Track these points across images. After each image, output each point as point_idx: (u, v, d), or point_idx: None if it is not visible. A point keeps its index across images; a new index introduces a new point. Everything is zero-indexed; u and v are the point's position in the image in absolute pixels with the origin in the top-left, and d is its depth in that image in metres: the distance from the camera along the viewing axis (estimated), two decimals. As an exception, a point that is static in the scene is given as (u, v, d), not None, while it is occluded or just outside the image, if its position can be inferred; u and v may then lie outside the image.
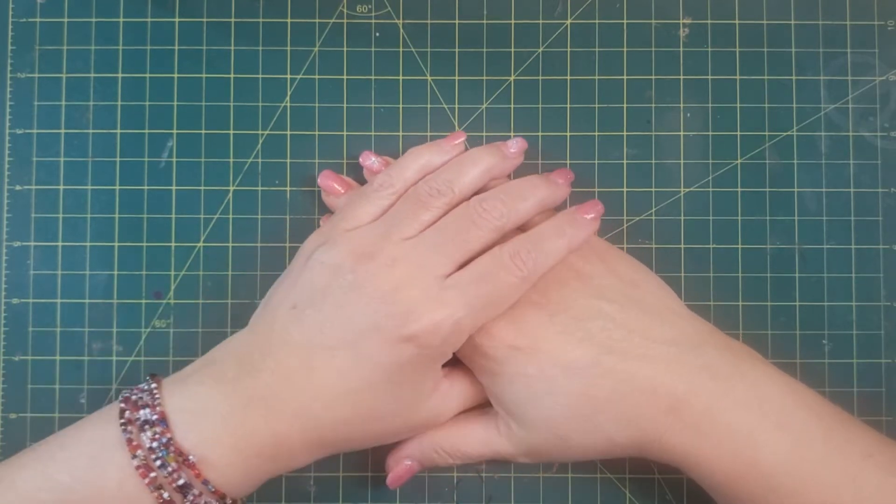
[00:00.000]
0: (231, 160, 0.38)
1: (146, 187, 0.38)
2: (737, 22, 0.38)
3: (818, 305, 0.37)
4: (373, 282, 0.30)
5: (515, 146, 0.35)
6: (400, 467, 0.34)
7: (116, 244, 0.37)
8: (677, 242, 0.38)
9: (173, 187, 0.38)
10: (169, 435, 0.28)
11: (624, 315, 0.32)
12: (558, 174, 0.35)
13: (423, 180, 0.33)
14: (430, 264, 0.31)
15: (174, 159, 0.38)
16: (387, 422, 0.31)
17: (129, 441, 0.28)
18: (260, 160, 0.38)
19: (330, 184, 0.36)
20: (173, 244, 0.37)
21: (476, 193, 0.34)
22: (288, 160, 0.38)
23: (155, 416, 0.29)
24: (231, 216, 0.38)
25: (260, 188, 0.38)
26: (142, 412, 0.29)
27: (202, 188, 0.38)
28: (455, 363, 0.33)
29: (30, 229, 0.37)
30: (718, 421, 0.30)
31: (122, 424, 0.29)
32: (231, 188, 0.38)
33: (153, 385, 0.30)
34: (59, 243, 0.37)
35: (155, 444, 0.28)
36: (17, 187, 0.38)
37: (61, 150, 0.38)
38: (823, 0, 0.38)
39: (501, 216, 0.32)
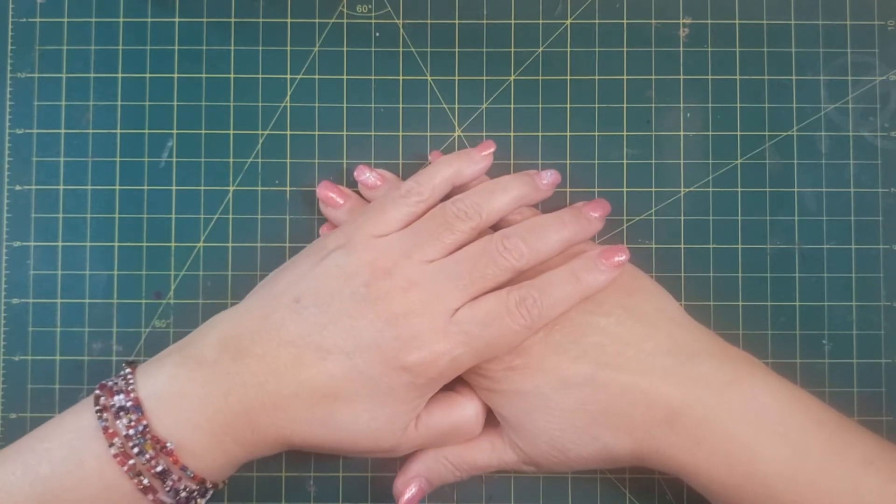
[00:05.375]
0: (231, 160, 0.38)
1: (146, 187, 0.38)
2: (737, 22, 0.38)
3: (818, 305, 0.37)
4: (384, 301, 0.30)
5: (549, 178, 0.35)
6: (410, 492, 0.33)
7: (116, 244, 0.37)
8: (677, 242, 0.38)
9: (173, 187, 0.38)
10: (145, 422, 0.28)
11: (619, 328, 0.32)
12: (594, 206, 0.34)
13: (451, 200, 0.33)
14: (443, 295, 0.30)
15: (174, 159, 0.38)
16: (357, 437, 0.31)
17: (106, 429, 0.28)
18: (260, 160, 0.38)
19: (328, 195, 0.36)
20: (173, 244, 0.37)
21: (502, 219, 0.34)
22: (288, 160, 0.38)
23: (129, 403, 0.29)
24: (231, 216, 0.38)
25: (260, 188, 0.38)
26: (116, 398, 0.29)
27: (202, 188, 0.38)
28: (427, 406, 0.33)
29: (30, 229, 0.37)
30: (715, 431, 0.30)
31: (97, 412, 0.29)
32: (231, 188, 0.38)
33: (128, 371, 0.30)
34: (59, 243, 0.37)
35: (131, 432, 0.28)
36: (17, 187, 0.38)
37: (61, 150, 0.38)
38: (823, 0, 0.38)
39: (521, 256, 0.31)
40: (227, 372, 0.30)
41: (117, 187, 0.38)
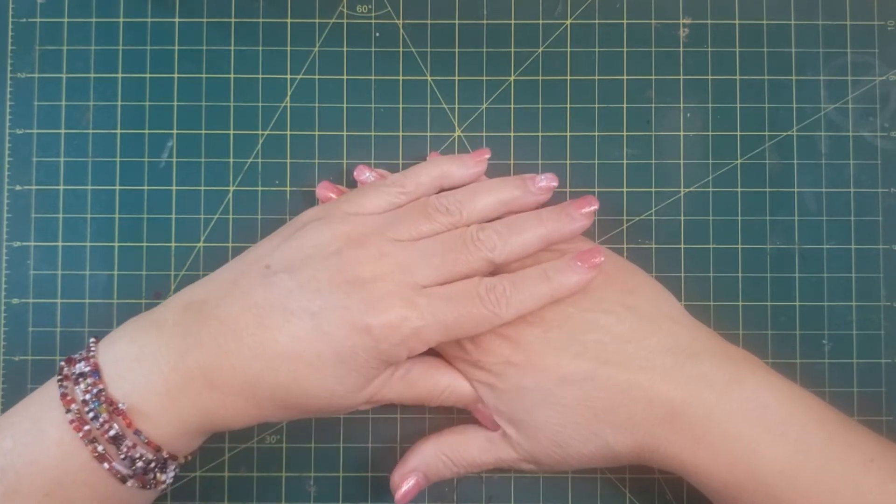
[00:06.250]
0: (231, 160, 0.38)
1: (146, 187, 0.38)
2: (737, 22, 0.38)
3: (818, 305, 0.37)
4: (355, 266, 0.30)
5: (543, 182, 0.34)
6: (407, 485, 0.34)
7: (116, 244, 0.37)
8: (677, 242, 0.38)
9: (173, 187, 0.38)
10: (101, 386, 0.28)
11: (620, 326, 0.32)
12: (579, 204, 0.33)
13: (436, 195, 0.33)
14: (413, 269, 0.31)
15: (174, 159, 0.38)
16: (322, 400, 0.30)
17: (64, 395, 0.28)
18: (260, 160, 0.38)
19: (328, 195, 0.36)
20: (173, 244, 0.37)
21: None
22: (288, 160, 0.38)
23: (88, 368, 0.29)
24: (231, 216, 0.38)
25: (260, 188, 0.38)
26: (77, 366, 0.29)
27: (202, 188, 0.38)
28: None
29: (30, 229, 0.37)
30: (715, 430, 0.30)
31: (59, 380, 0.29)
32: (231, 188, 0.38)
33: (91, 340, 0.30)
34: (59, 243, 0.37)
35: (88, 397, 0.28)
36: (17, 187, 0.38)
37: (61, 150, 0.38)
38: (823, 0, 0.38)
39: (494, 248, 0.31)
40: (186, 333, 0.29)
41: (117, 187, 0.38)
